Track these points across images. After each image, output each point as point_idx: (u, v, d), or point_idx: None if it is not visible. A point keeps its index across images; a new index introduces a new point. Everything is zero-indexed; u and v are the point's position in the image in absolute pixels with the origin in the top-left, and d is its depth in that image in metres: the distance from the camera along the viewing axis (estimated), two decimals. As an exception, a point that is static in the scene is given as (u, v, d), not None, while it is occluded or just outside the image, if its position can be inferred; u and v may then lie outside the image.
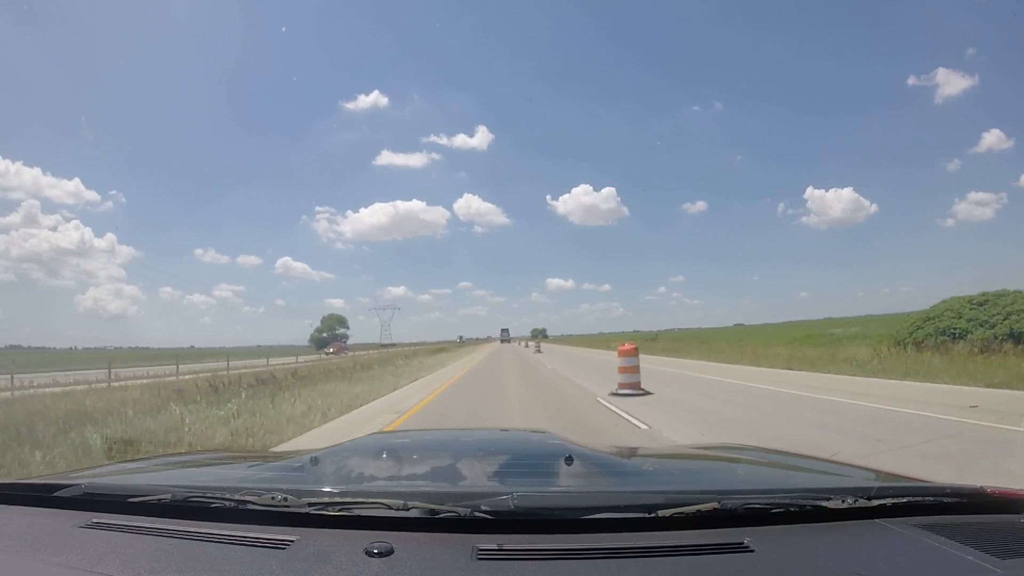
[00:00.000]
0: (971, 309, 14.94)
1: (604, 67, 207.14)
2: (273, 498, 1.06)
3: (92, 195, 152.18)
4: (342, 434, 6.09)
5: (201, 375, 17.32)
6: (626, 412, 8.19)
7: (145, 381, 15.83)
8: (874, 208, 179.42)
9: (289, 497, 1.05)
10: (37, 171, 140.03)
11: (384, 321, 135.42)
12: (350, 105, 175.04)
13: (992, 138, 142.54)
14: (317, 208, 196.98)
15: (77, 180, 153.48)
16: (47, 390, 13.83)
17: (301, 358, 41.47)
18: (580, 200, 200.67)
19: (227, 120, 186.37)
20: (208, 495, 1.13)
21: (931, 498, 1.13)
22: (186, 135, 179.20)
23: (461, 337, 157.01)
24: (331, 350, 71.80)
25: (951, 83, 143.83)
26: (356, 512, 1.03)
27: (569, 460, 1.49)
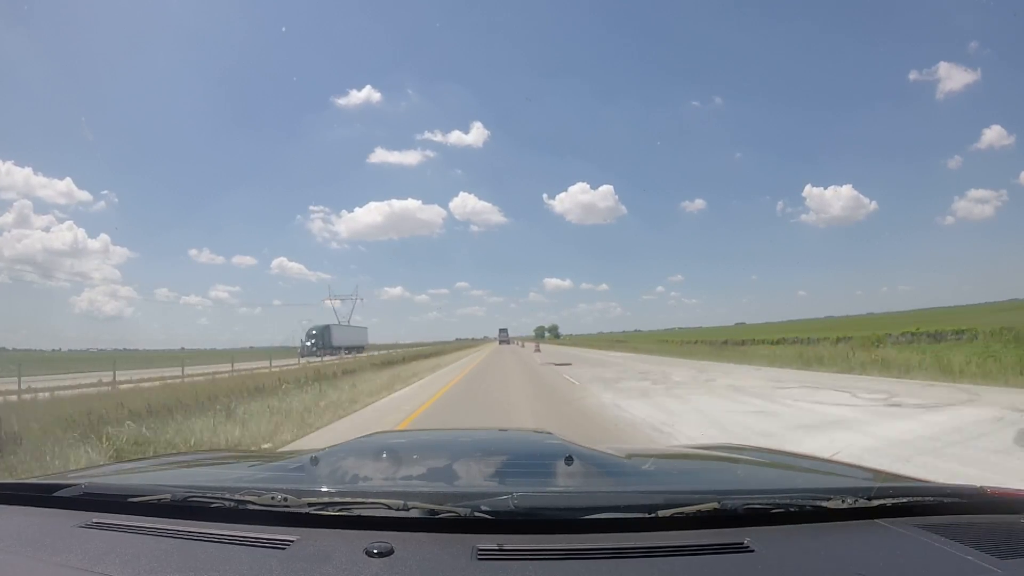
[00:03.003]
0: None
1: (602, 62, 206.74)
2: (273, 498, 1.06)
3: (84, 195, 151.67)
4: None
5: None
6: None
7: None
8: (874, 206, 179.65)
9: (289, 497, 1.05)
10: (28, 170, 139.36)
11: (341, 317, 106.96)
12: (342, 101, 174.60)
13: (993, 134, 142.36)
14: (311, 207, 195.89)
15: (69, 180, 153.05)
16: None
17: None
18: (577, 198, 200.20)
19: (218, 118, 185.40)
20: (208, 495, 1.13)
21: (931, 498, 1.13)
22: (178, 134, 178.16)
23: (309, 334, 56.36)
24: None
25: (953, 78, 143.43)
26: (356, 512, 1.03)
27: (569, 460, 1.49)
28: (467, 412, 10.01)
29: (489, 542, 0.93)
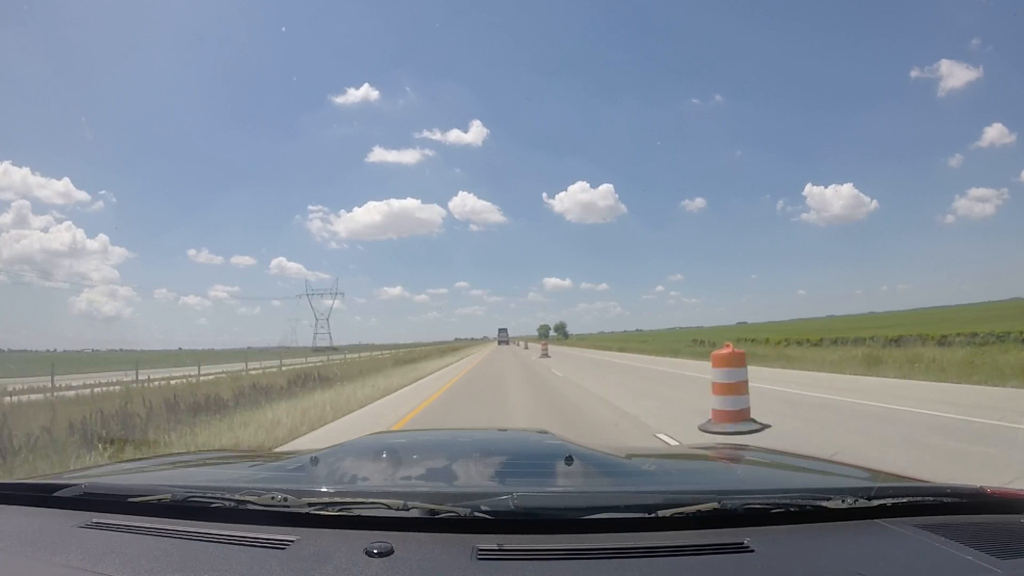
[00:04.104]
0: None
1: (602, 59, 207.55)
2: (273, 498, 1.05)
3: (83, 195, 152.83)
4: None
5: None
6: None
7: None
8: (874, 205, 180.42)
9: (289, 497, 1.05)
10: (26, 170, 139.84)
11: (320, 314, 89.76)
12: (340, 99, 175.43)
13: (994, 132, 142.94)
14: (310, 207, 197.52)
15: (67, 180, 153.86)
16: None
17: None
18: (577, 197, 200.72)
19: (217, 117, 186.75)
20: (208, 495, 1.13)
21: (931, 498, 1.13)
22: (176, 133, 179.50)
23: None
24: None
25: (954, 75, 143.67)
26: (356, 512, 1.03)
27: (569, 460, 1.49)
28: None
29: (489, 542, 0.93)
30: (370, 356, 37.95)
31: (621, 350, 42.19)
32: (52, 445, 6.27)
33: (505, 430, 4.17)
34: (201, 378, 18.35)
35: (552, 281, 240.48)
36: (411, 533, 0.97)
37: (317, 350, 71.03)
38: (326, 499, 1.08)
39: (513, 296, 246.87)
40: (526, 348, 56.53)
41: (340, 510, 1.04)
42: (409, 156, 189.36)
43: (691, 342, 34.58)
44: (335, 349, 72.37)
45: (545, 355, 33.24)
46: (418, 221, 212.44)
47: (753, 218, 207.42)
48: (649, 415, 8.75)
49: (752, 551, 0.90)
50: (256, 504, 1.06)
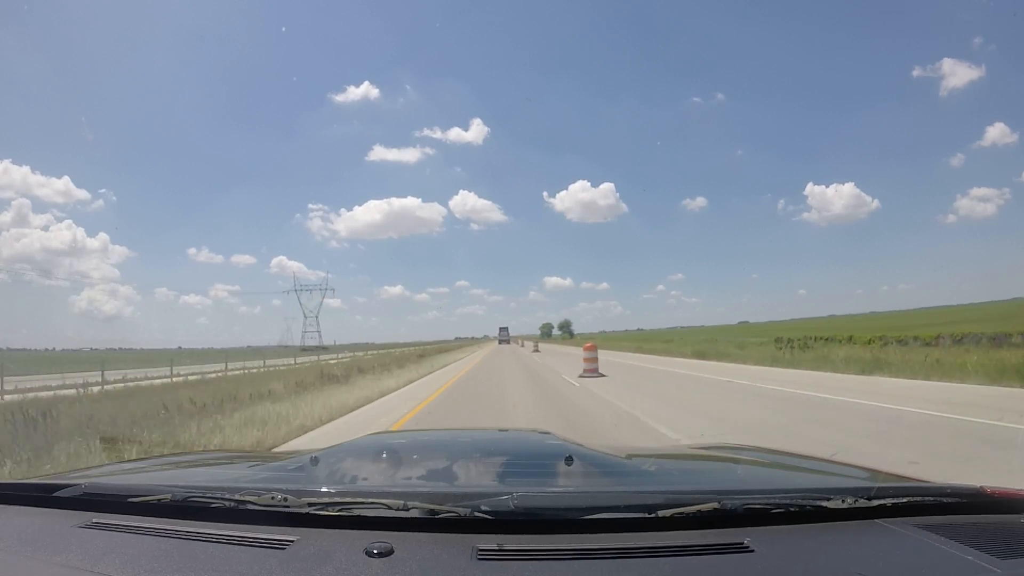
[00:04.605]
0: None
1: (602, 58, 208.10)
2: (273, 498, 1.06)
3: (83, 193, 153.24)
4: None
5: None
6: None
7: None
8: (875, 204, 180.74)
9: (289, 497, 1.05)
10: (26, 169, 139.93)
11: (309, 311, 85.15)
12: (340, 98, 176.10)
13: (996, 132, 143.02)
14: (310, 206, 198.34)
15: (67, 178, 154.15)
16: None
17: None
18: (578, 197, 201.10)
19: (217, 117, 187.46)
20: (208, 495, 1.13)
21: (931, 498, 1.13)
22: (176, 132, 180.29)
23: None
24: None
25: (957, 74, 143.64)
26: (356, 512, 1.03)
27: (569, 460, 1.49)
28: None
29: (489, 542, 0.93)
30: (329, 361, 28.95)
31: (699, 355, 23.90)
32: None
33: (506, 430, 4.17)
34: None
35: (553, 280, 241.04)
36: (411, 533, 0.97)
37: (306, 349, 67.39)
38: (326, 499, 1.08)
39: (514, 295, 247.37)
40: (536, 350, 39.54)
41: (340, 510, 1.04)
42: (409, 155, 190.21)
43: (774, 340, 23.87)
44: (324, 348, 68.54)
45: (594, 372, 15.10)
46: (418, 220, 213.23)
47: (754, 218, 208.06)
48: None
49: (752, 551, 0.90)
50: (256, 504, 1.07)
